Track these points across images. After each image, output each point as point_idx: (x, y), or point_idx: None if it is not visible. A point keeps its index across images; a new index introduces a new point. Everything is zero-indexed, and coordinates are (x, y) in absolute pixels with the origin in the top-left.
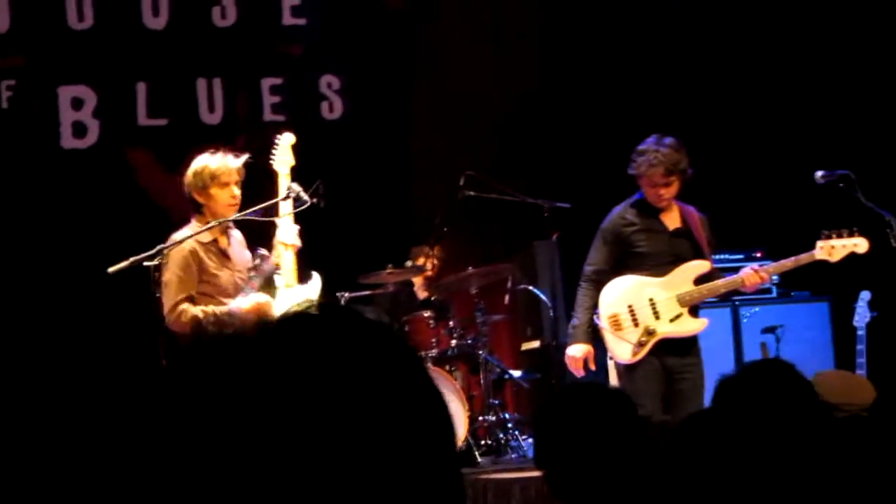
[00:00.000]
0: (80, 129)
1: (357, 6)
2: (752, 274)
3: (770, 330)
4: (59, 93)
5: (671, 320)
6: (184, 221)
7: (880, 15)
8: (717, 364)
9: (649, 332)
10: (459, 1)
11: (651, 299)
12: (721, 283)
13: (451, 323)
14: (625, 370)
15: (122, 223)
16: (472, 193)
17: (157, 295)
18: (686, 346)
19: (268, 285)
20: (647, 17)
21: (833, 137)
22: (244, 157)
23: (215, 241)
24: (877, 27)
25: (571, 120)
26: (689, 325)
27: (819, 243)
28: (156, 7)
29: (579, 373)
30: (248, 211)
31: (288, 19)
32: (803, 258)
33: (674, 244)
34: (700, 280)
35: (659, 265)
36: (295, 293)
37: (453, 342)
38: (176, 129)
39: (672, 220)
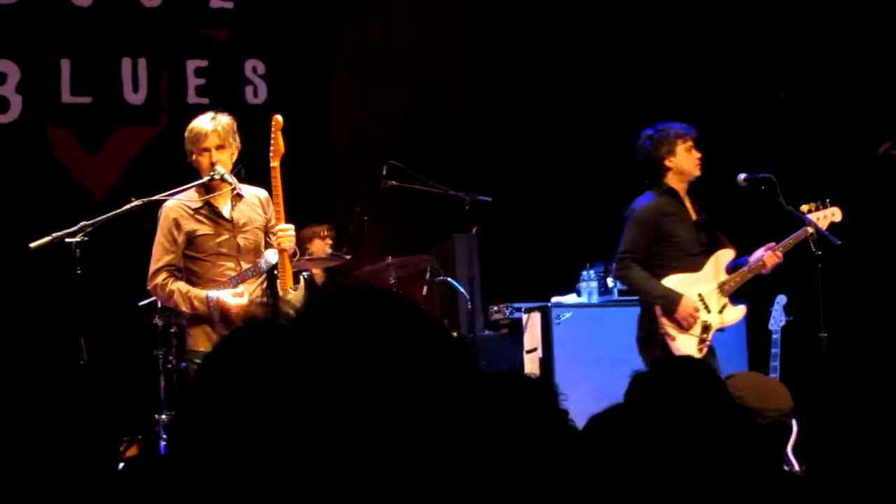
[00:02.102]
0: (2, 104)
1: None
2: (772, 255)
3: None
4: None
5: (719, 311)
6: (107, 201)
7: (804, 19)
8: (631, 362)
9: (706, 327)
10: None
11: (699, 294)
12: (748, 269)
13: None
14: None
15: (45, 199)
16: (393, 183)
17: (78, 272)
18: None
19: (271, 287)
20: (568, 14)
21: (755, 141)
22: (220, 118)
23: (207, 204)
24: (800, 31)
25: (494, 114)
26: (735, 314)
27: (810, 217)
28: None
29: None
30: (172, 191)
31: (215, 2)
32: (800, 234)
33: (700, 234)
34: (731, 268)
35: (690, 255)
36: (289, 297)
37: None
38: (99, 107)
39: (692, 209)
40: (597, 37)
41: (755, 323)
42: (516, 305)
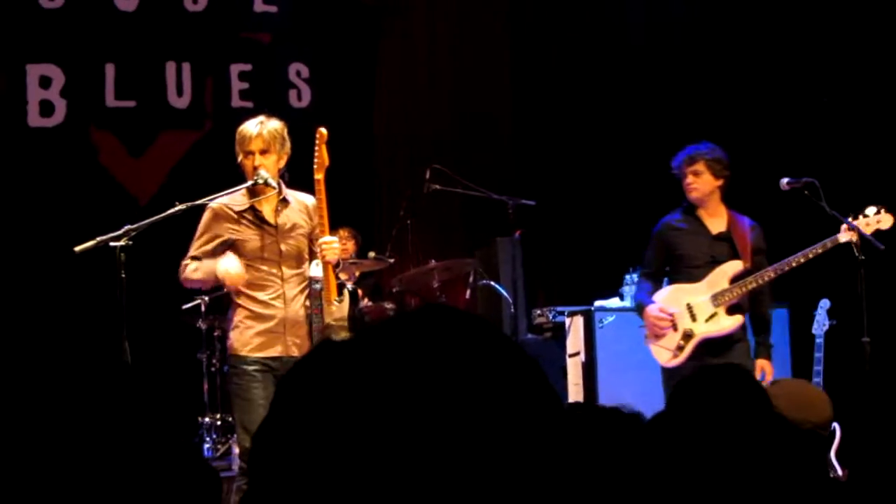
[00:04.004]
0: (47, 108)
1: None
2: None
3: None
4: (28, 70)
5: (706, 321)
6: (151, 205)
7: (847, 22)
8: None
9: (687, 336)
10: None
11: (688, 304)
12: (750, 280)
13: None
14: (668, 375)
15: (89, 203)
16: (437, 187)
17: (122, 275)
18: (726, 347)
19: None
20: (611, 17)
21: (799, 145)
22: (269, 123)
23: (251, 208)
24: (840, 37)
25: (538, 118)
26: (724, 323)
27: (844, 226)
28: None
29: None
30: (216, 195)
31: (259, 6)
32: (828, 244)
33: (714, 247)
34: (735, 280)
35: (696, 266)
36: (334, 309)
37: None
38: (143, 111)
39: (717, 224)
40: (640, 40)
41: (799, 327)
42: (559, 309)
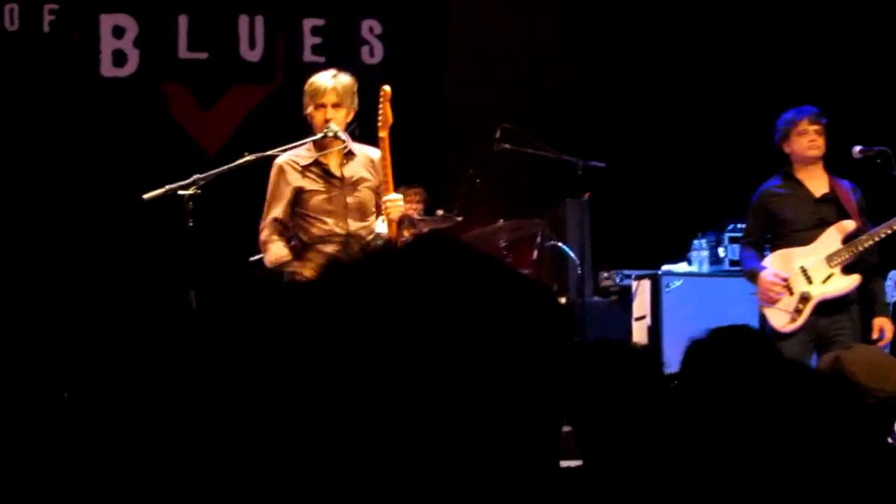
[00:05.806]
0: (119, 58)
1: None
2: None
3: None
4: (101, 20)
5: (823, 282)
6: (220, 157)
7: None
8: None
9: (804, 298)
10: None
11: (802, 267)
12: (864, 238)
13: None
14: (777, 340)
15: (159, 152)
16: (507, 146)
17: (190, 224)
18: (839, 308)
19: None
20: None
21: (870, 113)
22: (342, 76)
23: (317, 162)
24: None
25: (609, 79)
26: (841, 284)
27: None
28: None
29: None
30: (285, 147)
31: None
32: None
33: (819, 209)
34: (848, 239)
35: (804, 230)
36: None
37: None
38: (215, 64)
39: (818, 187)
40: (713, 2)
41: (867, 298)
42: (626, 272)
